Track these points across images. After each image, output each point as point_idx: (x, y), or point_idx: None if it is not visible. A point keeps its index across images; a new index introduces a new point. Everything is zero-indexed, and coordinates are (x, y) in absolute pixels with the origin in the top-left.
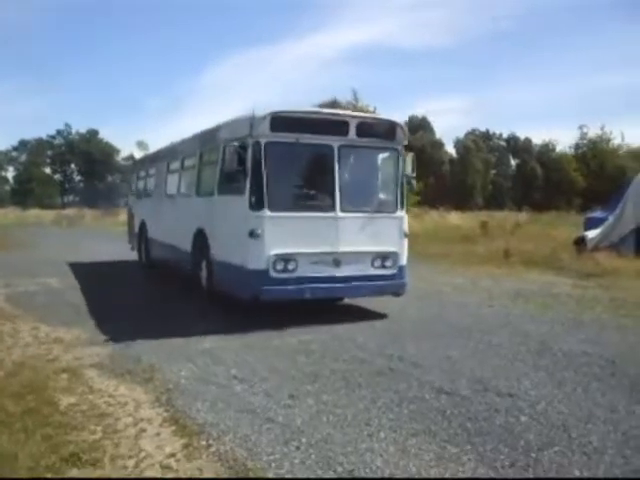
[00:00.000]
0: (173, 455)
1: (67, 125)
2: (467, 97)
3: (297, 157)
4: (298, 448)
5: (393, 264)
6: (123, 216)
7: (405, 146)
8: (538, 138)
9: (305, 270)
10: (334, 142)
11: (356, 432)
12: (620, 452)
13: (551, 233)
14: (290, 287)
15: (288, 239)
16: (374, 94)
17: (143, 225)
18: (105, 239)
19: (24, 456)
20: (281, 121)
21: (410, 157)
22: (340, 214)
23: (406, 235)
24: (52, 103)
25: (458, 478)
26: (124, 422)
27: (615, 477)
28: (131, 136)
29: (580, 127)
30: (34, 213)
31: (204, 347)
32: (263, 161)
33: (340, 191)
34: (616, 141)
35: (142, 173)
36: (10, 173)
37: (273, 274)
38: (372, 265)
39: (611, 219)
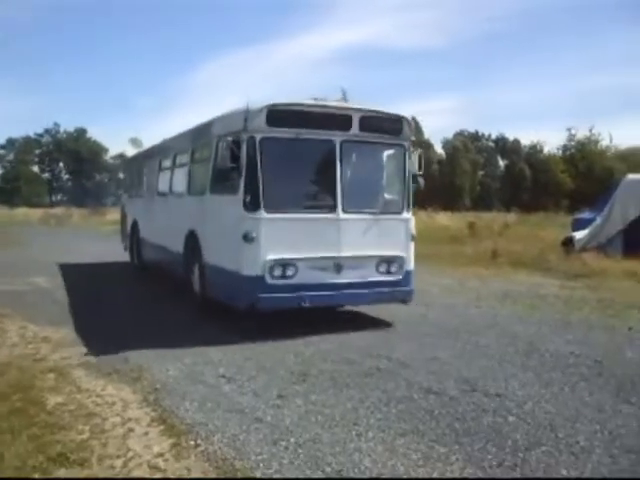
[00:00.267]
0: (161, 455)
1: (55, 124)
2: (458, 98)
3: (295, 153)
4: (287, 448)
5: (399, 269)
6: (111, 215)
7: (412, 142)
8: (527, 139)
9: (304, 276)
10: (336, 137)
11: (344, 432)
12: (607, 451)
13: (539, 234)
14: (288, 295)
15: (286, 243)
16: (365, 94)
17: (135, 225)
18: (94, 239)
19: (11, 456)
20: (278, 115)
21: (417, 154)
22: (342, 215)
23: (413, 238)
24: (41, 102)
25: (446, 478)
26: (112, 422)
27: (602, 477)
28: (121, 135)
29: (568, 129)
30: (22, 212)
31: (193, 348)
32: (258, 158)
33: (342, 190)
34: (604, 143)
35: (134, 171)
36: None
37: (270, 281)
38: (376, 270)
39: (599, 220)
